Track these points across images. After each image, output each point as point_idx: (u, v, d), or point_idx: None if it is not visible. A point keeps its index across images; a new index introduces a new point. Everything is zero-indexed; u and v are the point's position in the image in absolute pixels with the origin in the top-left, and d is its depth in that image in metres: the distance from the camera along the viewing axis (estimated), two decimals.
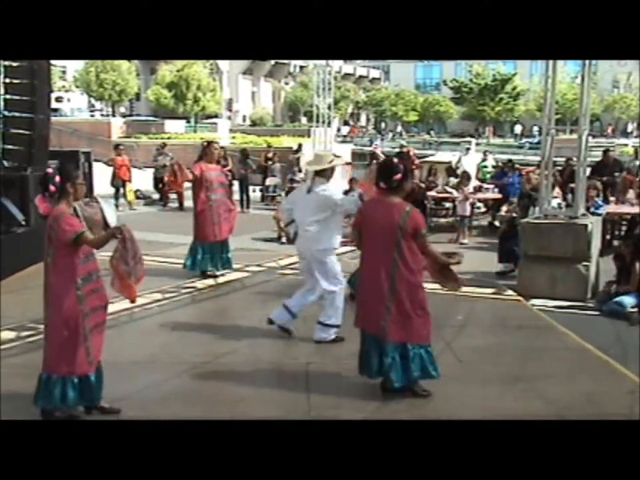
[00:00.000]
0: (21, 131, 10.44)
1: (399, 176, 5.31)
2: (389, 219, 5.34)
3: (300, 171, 18.90)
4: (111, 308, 7.67)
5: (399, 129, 62.72)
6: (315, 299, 7.01)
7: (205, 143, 9.75)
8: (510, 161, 17.73)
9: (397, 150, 20.83)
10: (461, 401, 5.48)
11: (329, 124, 21.00)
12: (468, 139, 33.05)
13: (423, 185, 15.16)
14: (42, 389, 4.91)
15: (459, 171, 16.78)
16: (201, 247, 9.37)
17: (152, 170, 19.96)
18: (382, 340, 5.44)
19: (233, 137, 33.40)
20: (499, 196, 14.79)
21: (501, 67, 57.98)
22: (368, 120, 72.72)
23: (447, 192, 14.69)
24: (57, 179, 4.81)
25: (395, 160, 5.58)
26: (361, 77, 73.10)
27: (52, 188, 4.81)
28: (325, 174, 6.79)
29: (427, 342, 5.51)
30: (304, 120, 53.69)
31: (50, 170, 4.90)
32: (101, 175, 17.02)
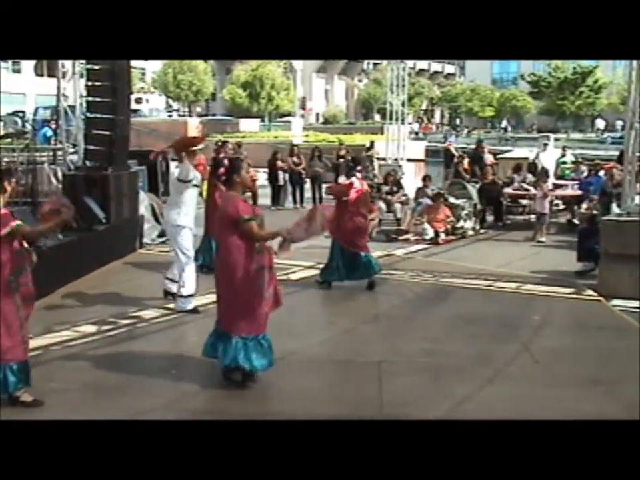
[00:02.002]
0: (103, 132, 10.75)
1: (222, 170, 5.66)
2: (223, 211, 5.57)
3: (373, 168, 18.84)
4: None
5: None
6: (176, 271, 7.76)
7: (220, 142, 9.85)
8: (595, 164, 17.06)
9: (473, 146, 20.56)
10: (537, 403, 5.36)
11: (403, 121, 20.83)
12: (546, 134, 32.25)
13: (499, 182, 14.93)
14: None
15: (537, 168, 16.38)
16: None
17: None
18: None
19: (306, 135, 33.54)
20: (579, 193, 14.38)
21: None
22: (442, 116, 71.89)
23: (524, 189, 14.38)
24: None
25: (221, 155, 5.83)
26: (435, 72, 72.34)
27: None
28: (179, 156, 7.49)
29: (245, 332, 5.50)
30: (377, 117, 53.53)
31: None
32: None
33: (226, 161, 5.70)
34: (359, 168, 9.43)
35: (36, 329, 6.73)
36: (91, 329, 7.09)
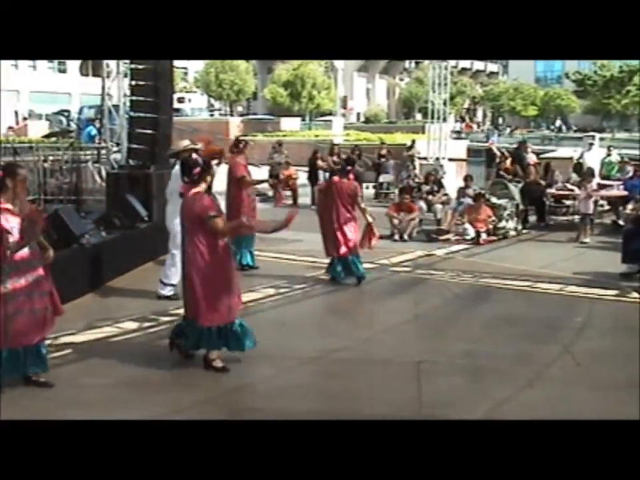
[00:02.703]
0: (146, 131, 10.88)
1: (197, 170, 5.77)
2: (190, 209, 5.77)
3: (414, 168, 18.74)
4: None
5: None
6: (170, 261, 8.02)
7: (237, 141, 9.84)
8: None
9: (515, 146, 20.30)
10: (577, 405, 5.27)
11: (444, 120, 20.69)
12: (591, 133, 31.71)
13: (542, 182, 14.73)
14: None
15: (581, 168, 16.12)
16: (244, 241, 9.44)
17: (267, 167, 20.31)
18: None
19: (347, 134, 33.51)
20: (625, 193, 14.12)
21: None
22: (484, 115, 71.23)
23: (568, 189, 14.17)
24: None
25: (194, 155, 6.05)
26: (478, 71, 71.72)
27: None
28: (178, 157, 7.61)
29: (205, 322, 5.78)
30: (418, 116, 53.28)
31: None
32: (220, 172, 17.45)
33: (200, 161, 5.90)
34: (349, 168, 9.48)
35: (79, 325, 6.86)
36: (133, 325, 7.17)
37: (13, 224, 5.19)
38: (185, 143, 7.84)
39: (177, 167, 7.51)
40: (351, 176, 9.34)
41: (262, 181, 11.55)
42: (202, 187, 5.82)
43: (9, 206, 5.22)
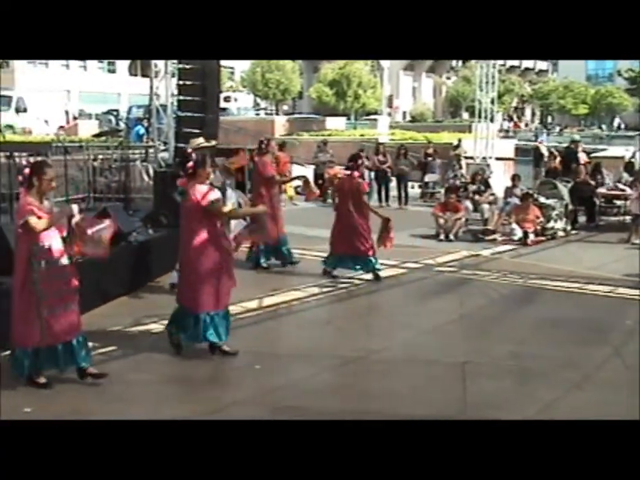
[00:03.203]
0: (192, 130, 10.96)
1: (190, 164, 6.10)
2: (189, 199, 6.11)
3: (460, 167, 18.56)
4: (270, 300, 7.99)
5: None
6: None
7: (266, 141, 9.81)
8: None
9: (565, 145, 19.98)
10: (626, 409, 5.14)
11: (492, 119, 20.45)
12: None
13: (592, 182, 14.44)
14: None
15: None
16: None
17: (312, 167, 20.34)
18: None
19: (392, 134, 33.33)
20: None
21: None
22: (533, 114, 70.19)
23: (619, 189, 13.87)
24: (26, 171, 5.28)
25: (189, 150, 6.53)
26: (526, 69, 70.68)
27: (21, 179, 5.29)
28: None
29: (193, 308, 6.08)
30: (465, 115, 52.74)
31: (24, 164, 5.36)
32: None
33: (194, 156, 6.32)
34: (351, 164, 9.42)
35: (125, 321, 6.95)
36: None
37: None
38: (199, 141, 8.00)
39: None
40: (356, 173, 9.19)
41: (293, 179, 11.58)
42: (198, 179, 6.13)
43: (37, 203, 5.29)
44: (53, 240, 5.34)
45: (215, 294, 6.09)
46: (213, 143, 8.24)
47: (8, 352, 5.60)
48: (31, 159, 5.77)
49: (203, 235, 6.05)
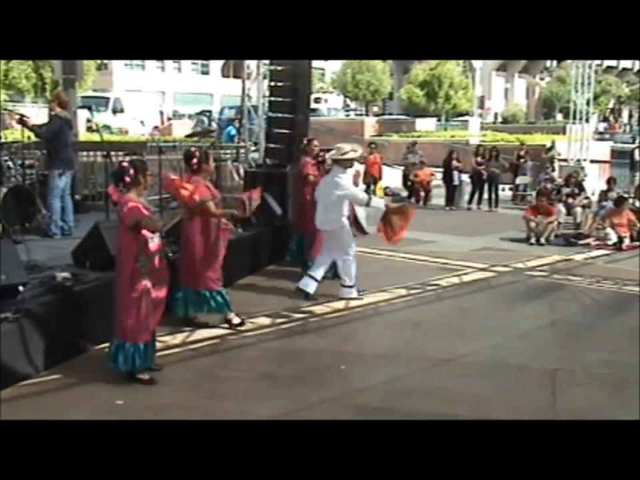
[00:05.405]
0: (283, 131, 11.13)
1: (194, 161, 6.57)
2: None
3: (553, 169, 18.11)
4: (356, 301, 8.01)
5: None
6: (327, 265, 8.24)
7: (306, 141, 9.71)
8: None
9: None
10: None
11: (587, 120, 19.87)
12: None
13: None
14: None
15: None
16: (299, 237, 9.37)
17: (402, 168, 20.25)
18: None
19: (484, 135, 32.81)
20: None
21: None
22: (630, 115, 67.61)
23: None
24: (131, 171, 5.37)
25: (193, 148, 6.98)
26: (624, 69, 68.17)
27: (127, 179, 5.38)
28: (342, 163, 8.00)
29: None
30: (559, 116, 51.38)
31: (124, 164, 5.45)
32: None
33: (197, 153, 6.65)
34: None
35: (213, 319, 7.10)
36: (266, 321, 7.35)
37: None
38: (346, 149, 8.05)
39: (333, 172, 8.09)
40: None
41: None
42: (201, 175, 6.63)
43: (141, 200, 5.46)
44: (155, 234, 5.49)
45: (214, 274, 6.83)
46: (359, 152, 8.36)
47: (102, 346, 5.81)
48: (127, 159, 5.95)
49: (199, 227, 6.68)
